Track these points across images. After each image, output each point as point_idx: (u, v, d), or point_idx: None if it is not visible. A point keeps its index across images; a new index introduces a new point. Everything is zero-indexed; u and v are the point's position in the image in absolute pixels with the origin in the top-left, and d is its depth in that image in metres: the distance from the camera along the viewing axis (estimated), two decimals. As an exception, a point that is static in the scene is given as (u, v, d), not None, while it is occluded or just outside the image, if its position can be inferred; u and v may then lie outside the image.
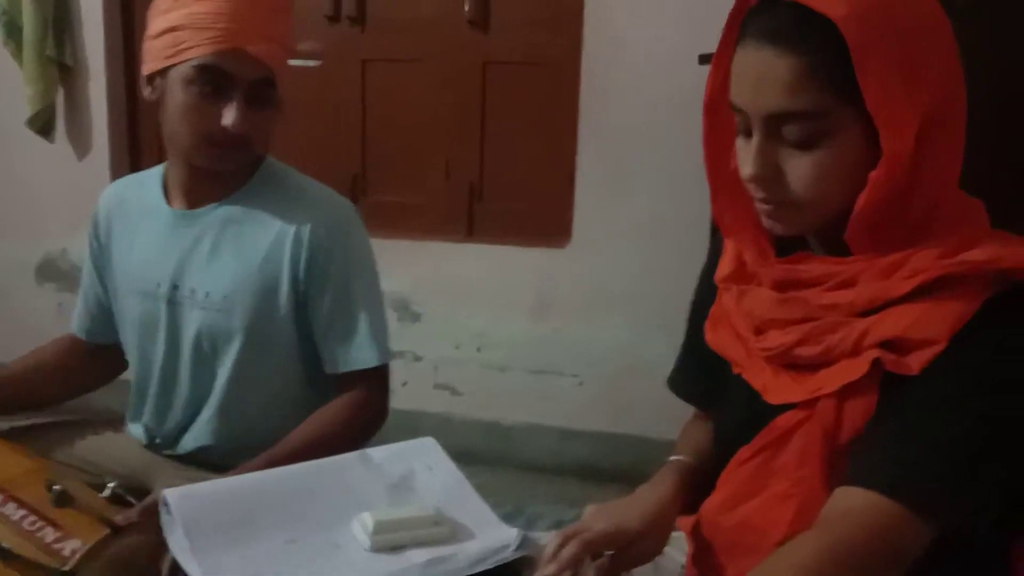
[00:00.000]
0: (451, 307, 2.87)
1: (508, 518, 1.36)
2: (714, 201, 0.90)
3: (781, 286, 0.85)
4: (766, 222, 0.84)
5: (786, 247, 0.87)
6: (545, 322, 2.83)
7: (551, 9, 2.64)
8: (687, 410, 1.11)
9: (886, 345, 0.77)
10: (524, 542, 0.91)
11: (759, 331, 0.87)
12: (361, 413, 1.29)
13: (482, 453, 2.79)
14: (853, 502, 0.73)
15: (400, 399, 1.42)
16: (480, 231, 2.85)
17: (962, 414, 0.73)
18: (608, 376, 2.77)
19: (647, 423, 2.57)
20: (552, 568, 0.82)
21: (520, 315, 2.84)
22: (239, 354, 1.28)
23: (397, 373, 1.37)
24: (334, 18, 2.74)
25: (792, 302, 0.83)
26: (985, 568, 0.85)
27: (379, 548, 0.88)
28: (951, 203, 0.81)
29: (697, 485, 0.96)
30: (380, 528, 0.88)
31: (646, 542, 0.89)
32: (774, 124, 0.78)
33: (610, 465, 2.67)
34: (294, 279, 1.27)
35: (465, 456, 1.10)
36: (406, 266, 2.79)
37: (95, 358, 1.47)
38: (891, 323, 0.76)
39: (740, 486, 0.88)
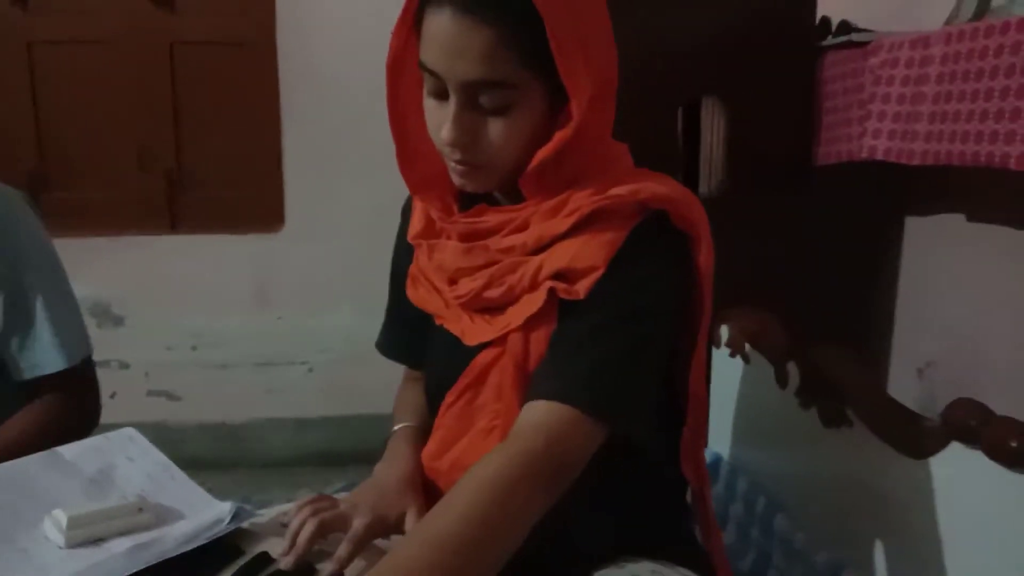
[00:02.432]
0: (158, 306, 2.70)
1: (235, 509, 1.30)
2: (400, 160, 0.93)
3: (466, 237, 0.90)
4: (458, 180, 0.88)
5: (470, 198, 0.93)
6: (266, 312, 2.75)
7: (240, -13, 2.56)
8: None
9: (558, 276, 0.85)
10: (239, 514, 0.89)
11: (452, 281, 0.93)
12: (55, 422, 1.17)
13: (212, 458, 2.67)
14: (534, 414, 0.80)
15: (111, 412, 1.30)
16: (185, 222, 2.70)
17: (620, 329, 0.83)
18: (338, 360, 2.75)
19: (381, 402, 2.56)
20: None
21: (238, 307, 2.74)
22: None
23: (104, 384, 1.27)
24: (-11, -4, 2.45)
25: (476, 251, 0.89)
26: (666, 479, 0.98)
27: (75, 544, 0.82)
28: (604, 149, 0.91)
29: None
30: (74, 523, 0.82)
31: (404, 519, 0.90)
32: (470, 91, 0.81)
33: (349, 448, 2.65)
34: None
35: (194, 464, 1.05)
36: (103, 266, 2.58)
37: None
38: (558, 256, 0.85)
39: (449, 430, 0.93)
